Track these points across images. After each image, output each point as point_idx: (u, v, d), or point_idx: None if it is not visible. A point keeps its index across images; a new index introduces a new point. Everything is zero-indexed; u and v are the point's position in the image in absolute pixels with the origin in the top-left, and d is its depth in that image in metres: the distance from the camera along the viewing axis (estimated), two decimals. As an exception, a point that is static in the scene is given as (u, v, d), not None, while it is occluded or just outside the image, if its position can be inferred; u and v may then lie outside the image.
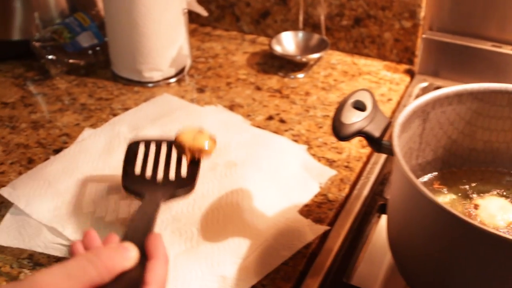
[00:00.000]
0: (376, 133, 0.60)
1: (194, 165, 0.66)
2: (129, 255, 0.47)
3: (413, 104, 0.63)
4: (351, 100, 0.62)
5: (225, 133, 0.83)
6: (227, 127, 0.86)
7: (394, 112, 0.95)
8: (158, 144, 0.68)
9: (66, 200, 0.72)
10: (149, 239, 0.50)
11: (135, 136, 0.83)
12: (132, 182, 0.64)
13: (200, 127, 0.69)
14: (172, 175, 0.65)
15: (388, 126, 0.62)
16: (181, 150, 0.66)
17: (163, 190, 0.62)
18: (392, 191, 0.62)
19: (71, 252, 0.52)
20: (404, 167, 0.53)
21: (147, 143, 0.69)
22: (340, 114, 0.60)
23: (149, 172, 0.65)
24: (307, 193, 0.76)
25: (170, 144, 0.68)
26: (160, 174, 0.64)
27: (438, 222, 0.52)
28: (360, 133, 0.60)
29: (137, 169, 0.65)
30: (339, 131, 0.59)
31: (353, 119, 0.60)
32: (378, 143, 0.60)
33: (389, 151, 0.60)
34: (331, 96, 0.98)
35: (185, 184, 0.64)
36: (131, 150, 0.68)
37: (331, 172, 0.79)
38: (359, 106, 0.62)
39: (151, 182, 0.64)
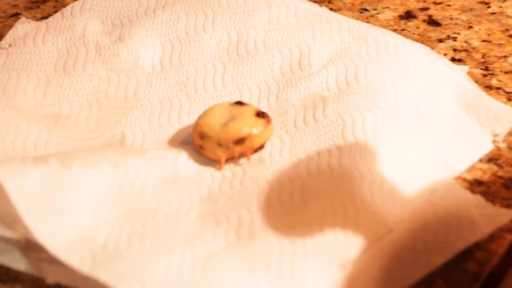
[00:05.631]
0: None
1: None
2: None
3: None
4: None
5: (297, 38, 0.53)
6: (299, 22, 0.53)
7: None
8: None
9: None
10: None
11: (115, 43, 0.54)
12: None
13: (237, 100, 0.47)
14: None
15: None
16: (207, 148, 0.44)
17: None
18: None
19: None
20: None
21: None
22: None
23: None
24: (471, 152, 0.47)
25: None
26: None
27: None
28: None
29: None
30: None
31: None
32: None
33: None
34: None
35: None
36: None
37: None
38: None
39: None
